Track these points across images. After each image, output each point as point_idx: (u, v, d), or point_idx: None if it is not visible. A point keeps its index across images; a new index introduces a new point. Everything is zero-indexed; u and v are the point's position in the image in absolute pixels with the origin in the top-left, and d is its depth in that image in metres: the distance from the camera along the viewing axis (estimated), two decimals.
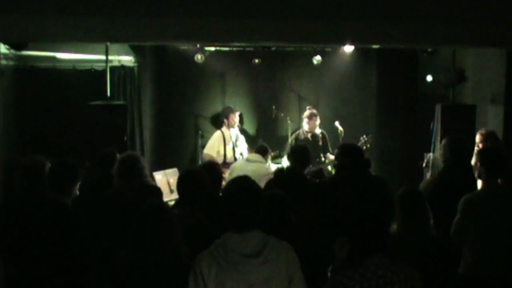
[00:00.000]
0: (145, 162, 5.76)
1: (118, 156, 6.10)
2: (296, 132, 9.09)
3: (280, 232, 3.47)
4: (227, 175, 7.31)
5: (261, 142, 8.34)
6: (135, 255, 3.48)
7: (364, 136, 8.37)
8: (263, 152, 7.51)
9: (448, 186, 5.51)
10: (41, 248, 4.26)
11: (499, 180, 4.98)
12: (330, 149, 8.65)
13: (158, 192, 5.39)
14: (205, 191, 4.29)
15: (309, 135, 8.82)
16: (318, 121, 8.82)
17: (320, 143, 8.65)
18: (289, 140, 9.07)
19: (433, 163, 7.79)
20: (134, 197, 4.78)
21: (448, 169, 5.80)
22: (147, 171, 5.61)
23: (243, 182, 3.38)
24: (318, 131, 8.79)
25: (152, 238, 3.45)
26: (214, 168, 5.26)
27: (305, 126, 8.85)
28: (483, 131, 6.90)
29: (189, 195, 4.26)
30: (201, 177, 4.36)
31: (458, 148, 5.84)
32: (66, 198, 4.62)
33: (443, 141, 6.09)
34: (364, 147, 8.09)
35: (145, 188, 5.23)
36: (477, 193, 4.90)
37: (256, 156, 7.43)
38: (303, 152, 6.15)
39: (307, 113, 8.93)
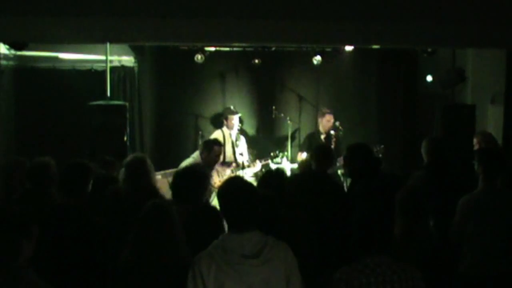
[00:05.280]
0: (151, 164, 5.73)
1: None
2: (311, 132, 9.07)
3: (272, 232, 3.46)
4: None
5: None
6: (137, 254, 3.48)
7: (378, 146, 8.39)
8: (201, 148, 7.12)
9: (427, 186, 5.50)
10: (58, 254, 4.09)
11: (497, 181, 4.99)
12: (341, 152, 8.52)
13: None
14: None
15: (322, 137, 8.82)
16: (331, 120, 8.77)
17: (333, 145, 8.49)
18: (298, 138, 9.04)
19: None
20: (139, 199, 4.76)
21: (426, 171, 5.77)
22: (153, 174, 5.54)
23: (241, 182, 3.38)
24: (332, 132, 8.73)
25: (154, 237, 3.45)
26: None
27: (319, 125, 8.87)
28: (479, 133, 6.96)
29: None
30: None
31: (435, 149, 5.83)
32: (79, 199, 4.49)
33: (423, 143, 6.07)
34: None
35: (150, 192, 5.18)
36: (476, 193, 4.90)
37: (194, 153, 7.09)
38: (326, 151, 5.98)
39: (320, 112, 8.97)
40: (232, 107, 9.18)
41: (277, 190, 4.47)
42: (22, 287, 2.84)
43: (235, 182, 3.36)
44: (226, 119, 8.98)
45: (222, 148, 7.55)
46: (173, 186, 4.65)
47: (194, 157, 7.28)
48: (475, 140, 6.78)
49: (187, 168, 5.16)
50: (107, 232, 4.32)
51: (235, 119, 8.92)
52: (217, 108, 9.90)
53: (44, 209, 4.34)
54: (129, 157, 5.60)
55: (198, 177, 4.65)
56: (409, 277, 3.25)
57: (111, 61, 8.77)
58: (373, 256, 3.25)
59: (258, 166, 8.58)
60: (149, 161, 5.46)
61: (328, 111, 8.90)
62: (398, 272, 3.23)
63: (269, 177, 4.91)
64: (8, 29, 6.39)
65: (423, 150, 5.85)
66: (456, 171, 5.76)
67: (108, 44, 8.04)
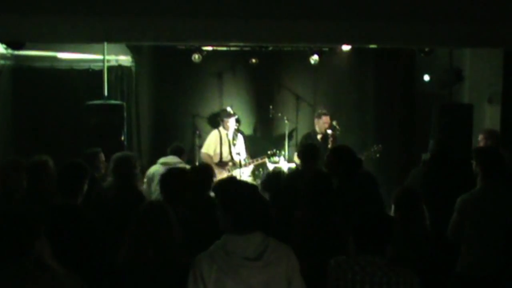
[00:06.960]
0: (137, 162, 5.76)
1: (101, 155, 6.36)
2: (307, 132, 9.09)
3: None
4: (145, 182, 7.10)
5: (177, 143, 7.90)
6: (135, 254, 3.47)
7: (375, 146, 8.41)
8: (179, 153, 7.19)
9: (428, 179, 5.58)
10: (56, 254, 4.09)
11: (495, 180, 4.99)
12: None
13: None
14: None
15: (319, 136, 8.82)
16: (327, 121, 8.77)
17: (330, 145, 8.46)
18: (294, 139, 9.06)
19: None
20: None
21: (430, 164, 5.86)
22: (137, 171, 5.63)
23: (245, 183, 3.38)
24: (329, 132, 8.71)
25: (152, 237, 3.44)
26: (206, 170, 5.45)
27: (315, 126, 8.89)
28: (485, 130, 7.01)
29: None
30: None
31: (442, 143, 5.90)
32: (75, 199, 4.49)
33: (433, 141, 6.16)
34: (373, 156, 8.17)
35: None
36: (474, 192, 4.90)
37: (173, 158, 7.06)
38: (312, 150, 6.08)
39: (316, 113, 8.99)
40: (228, 109, 9.15)
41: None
42: (35, 285, 2.88)
43: (240, 183, 3.36)
44: (223, 121, 8.98)
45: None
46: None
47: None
48: (480, 136, 6.84)
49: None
50: (104, 232, 4.32)
51: (230, 122, 8.91)
52: (214, 108, 9.89)
53: (42, 210, 4.35)
54: (118, 153, 5.70)
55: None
56: (401, 281, 3.23)
57: (108, 61, 8.76)
58: (367, 255, 3.27)
59: (250, 167, 8.65)
60: (134, 160, 5.55)
61: (325, 112, 8.90)
62: (389, 275, 3.22)
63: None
64: (5, 29, 6.38)
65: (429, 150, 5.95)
66: (454, 170, 5.78)
67: (105, 44, 8.03)
